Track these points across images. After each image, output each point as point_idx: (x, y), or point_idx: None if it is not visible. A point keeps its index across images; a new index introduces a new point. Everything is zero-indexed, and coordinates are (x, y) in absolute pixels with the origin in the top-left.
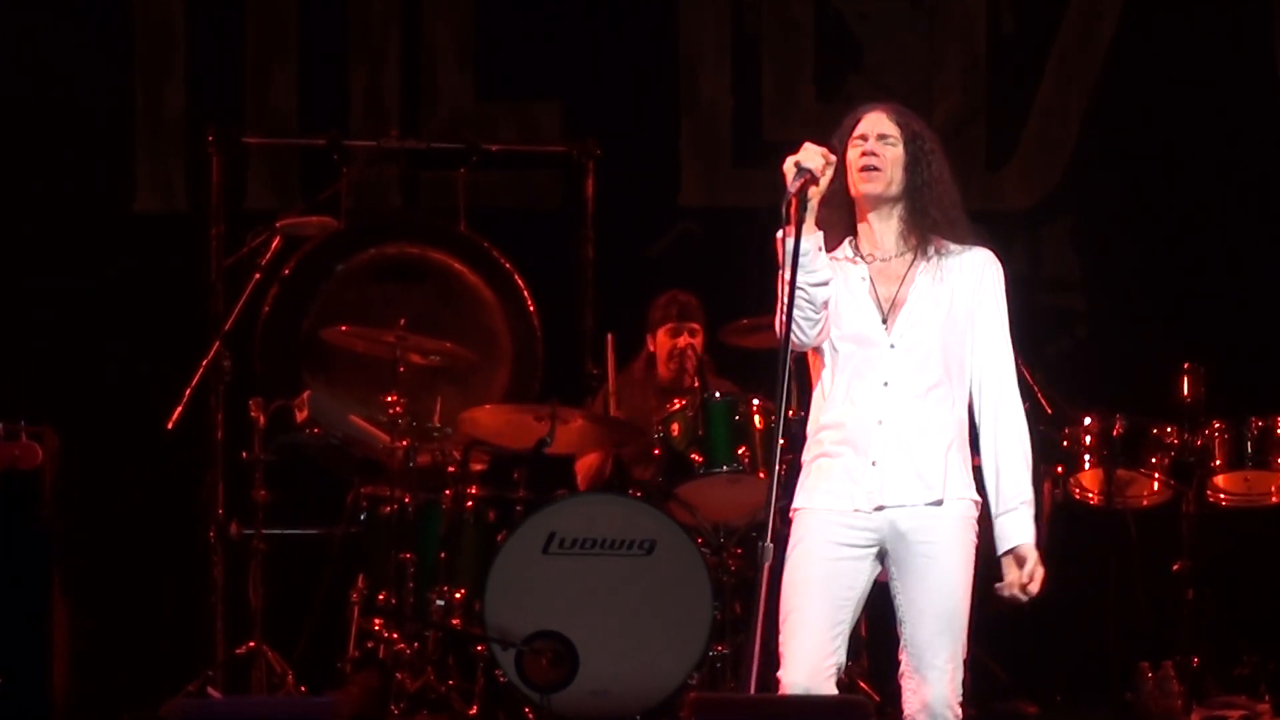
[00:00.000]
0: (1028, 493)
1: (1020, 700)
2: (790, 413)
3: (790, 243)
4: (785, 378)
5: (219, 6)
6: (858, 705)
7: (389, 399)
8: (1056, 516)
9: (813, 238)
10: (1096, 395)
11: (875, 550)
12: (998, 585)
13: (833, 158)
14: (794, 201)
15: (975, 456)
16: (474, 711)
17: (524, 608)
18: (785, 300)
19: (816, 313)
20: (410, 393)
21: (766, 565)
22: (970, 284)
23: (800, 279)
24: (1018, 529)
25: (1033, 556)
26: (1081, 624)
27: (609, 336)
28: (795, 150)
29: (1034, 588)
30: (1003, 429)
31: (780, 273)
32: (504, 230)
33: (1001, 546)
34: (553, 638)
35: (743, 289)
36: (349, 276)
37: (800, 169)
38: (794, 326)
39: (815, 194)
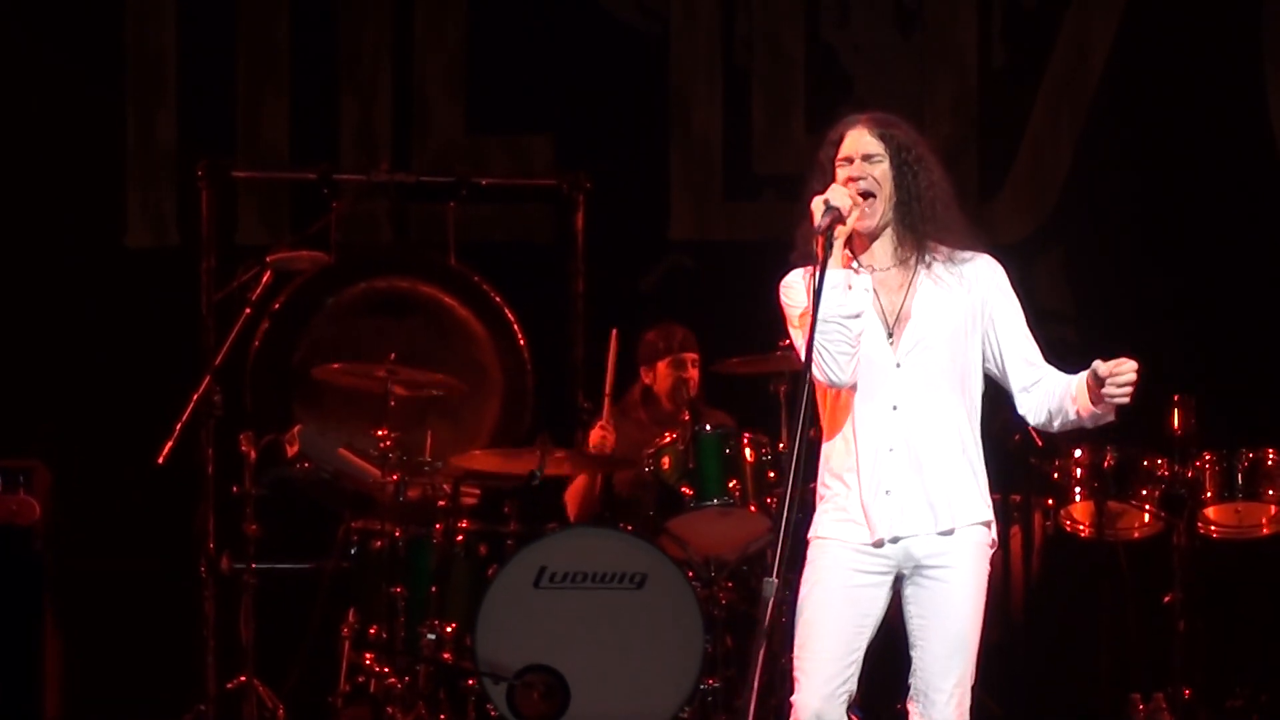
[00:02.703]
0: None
1: None
2: (781, 445)
3: (816, 279)
4: (804, 414)
5: (210, 39)
6: None
7: (379, 433)
8: (1047, 548)
9: (843, 274)
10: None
11: (890, 576)
12: (1104, 392)
13: (860, 199)
14: (820, 240)
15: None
16: None
17: (515, 642)
18: (807, 338)
19: (852, 346)
20: (401, 426)
21: (772, 600)
22: (981, 293)
23: (834, 313)
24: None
25: (1098, 364)
26: (1073, 656)
27: (613, 332)
28: (822, 187)
29: (1128, 368)
30: (1052, 378)
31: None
32: (495, 263)
33: (1081, 385)
34: (544, 671)
35: (734, 322)
36: (339, 310)
37: (828, 207)
38: (833, 363)
39: (842, 233)
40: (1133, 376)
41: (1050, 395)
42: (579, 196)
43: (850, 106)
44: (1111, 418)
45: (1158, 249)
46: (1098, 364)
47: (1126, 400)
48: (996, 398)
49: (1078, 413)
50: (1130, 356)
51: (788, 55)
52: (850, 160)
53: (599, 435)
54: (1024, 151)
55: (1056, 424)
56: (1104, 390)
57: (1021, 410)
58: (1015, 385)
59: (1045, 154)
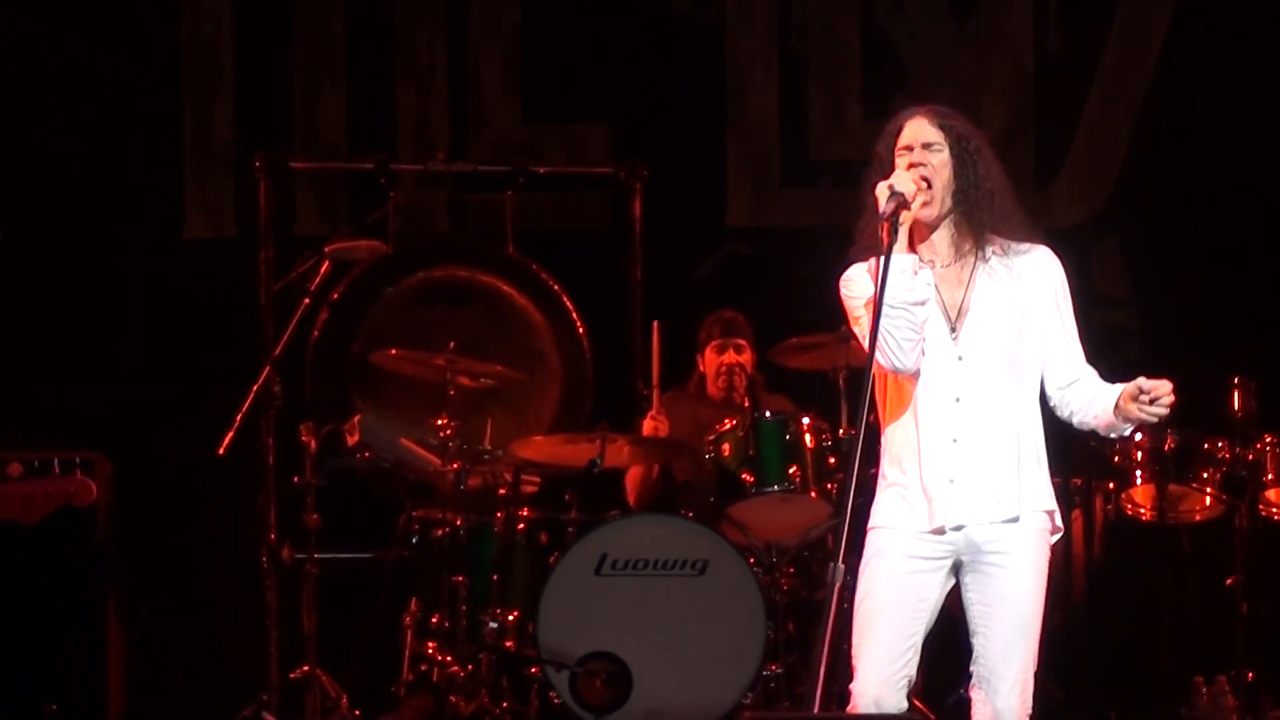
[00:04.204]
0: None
1: (1075, 716)
2: (841, 431)
3: (882, 265)
4: (867, 401)
5: (267, 33)
6: None
7: (439, 422)
8: (1109, 532)
9: (909, 258)
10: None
11: (949, 563)
12: (1133, 407)
13: (923, 184)
14: (887, 225)
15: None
16: None
17: (577, 629)
18: (872, 322)
19: (917, 333)
20: (461, 415)
21: (837, 586)
22: (1034, 286)
23: (901, 298)
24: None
25: (1141, 380)
26: (1135, 639)
27: (654, 324)
28: (884, 175)
29: (1165, 387)
30: (1093, 379)
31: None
32: (552, 252)
33: (1116, 403)
34: (606, 658)
35: (792, 308)
36: (398, 300)
37: (893, 192)
38: (898, 350)
39: (907, 218)
40: (1169, 400)
41: (1081, 399)
42: (636, 184)
43: (906, 93)
44: (1125, 431)
45: (1214, 233)
46: (1142, 380)
47: (1155, 421)
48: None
49: (1096, 419)
50: (1181, 358)
51: (844, 42)
52: (910, 149)
53: (650, 425)
54: (1080, 138)
55: (1075, 422)
56: (1140, 407)
57: (1051, 403)
58: (1051, 383)
59: (1101, 140)
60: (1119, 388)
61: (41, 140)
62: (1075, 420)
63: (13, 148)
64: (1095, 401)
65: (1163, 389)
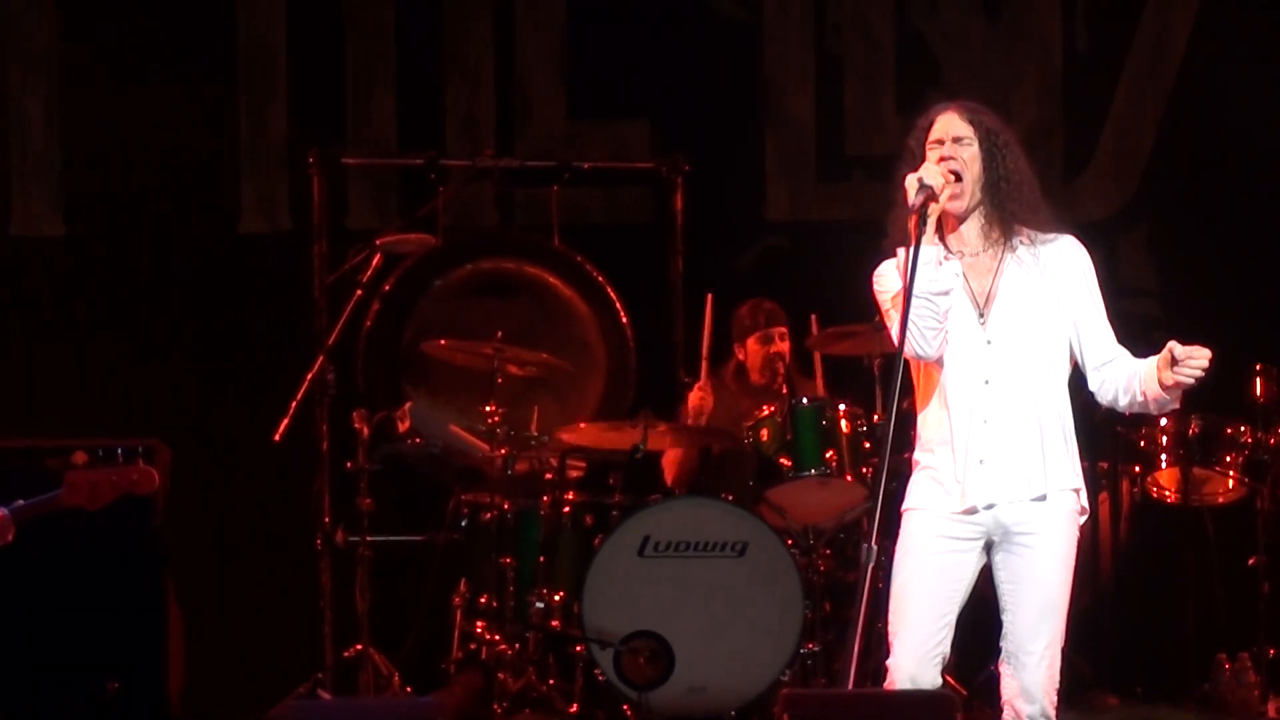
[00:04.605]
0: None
1: (1102, 692)
2: (876, 417)
3: (911, 254)
4: (897, 389)
5: (319, 32)
6: (944, 699)
7: (488, 409)
8: (1135, 514)
9: (935, 249)
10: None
11: (981, 543)
12: (1178, 377)
13: (951, 177)
14: (915, 217)
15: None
16: (574, 710)
17: (621, 609)
18: (902, 310)
19: (940, 321)
20: (508, 403)
21: (870, 566)
22: (1061, 273)
23: (925, 288)
24: (1152, 362)
25: (1174, 345)
26: (1160, 618)
27: (708, 296)
28: (913, 168)
29: (1201, 354)
30: (1126, 359)
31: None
32: (596, 245)
33: (1153, 371)
34: (649, 637)
35: (828, 299)
36: (447, 291)
37: (922, 185)
38: (920, 337)
39: (935, 210)
40: (1205, 363)
41: (1120, 376)
42: (677, 179)
43: (939, 90)
44: (1175, 405)
45: (1239, 225)
46: (1174, 345)
47: (1192, 381)
48: (1081, 371)
49: (1143, 394)
50: (1207, 345)
51: (878, 41)
52: (941, 142)
53: (698, 396)
54: (1108, 133)
55: (1123, 403)
56: (1175, 370)
57: (1092, 387)
58: (1089, 364)
59: (1129, 135)
60: (1153, 360)
61: (103, 140)
62: (1122, 403)
63: (77, 147)
64: (1135, 378)
65: (1198, 352)
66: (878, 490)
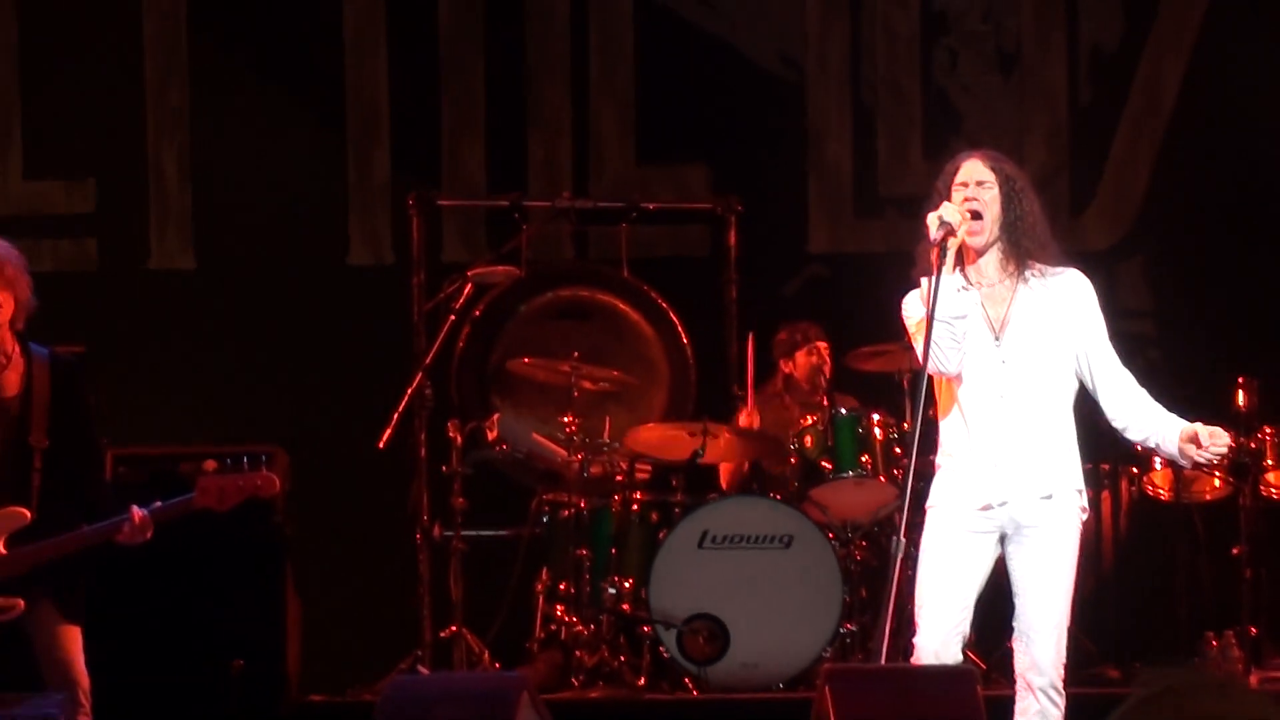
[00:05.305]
0: (1167, 414)
1: (1105, 666)
2: (905, 425)
3: (933, 283)
4: (922, 402)
5: (418, 89)
6: (965, 673)
7: (565, 419)
8: (1132, 510)
9: (954, 279)
10: (1166, 407)
11: (997, 535)
12: (1200, 461)
13: (969, 215)
14: (936, 250)
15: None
16: (642, 683)
17: (683, 594)
18: (926, 332)
19: (957, 341)
20: (583, 413)
21: (899, 557)
22: (1068, 301)
23: (945, 313)
24: (1178, 423)
25: (1199, 425)
26: (1155, 601)
27: (749, 336)
28: (936, 207)
29: (1222, 439)
30: (1130, 390)
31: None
32: (660, 275)
33: (1173, 442)
34: (707, 619)
35: (863, 321)
36: (530, 316)
37: (942, 222)
38: (941, 355)
39: (954, 243)
40: (1224, 449)
41: (1136, 414)
42: (731, 217)
43: (960, 138)
44: (1184, 466)
45: (1224, 255)
46: (1199, 428)
47: (1213, 461)
48: (1089, 390)
49: (1156, 445)
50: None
51: (906, 95)
52: (966, 185)
53: (746, 418)
54: (1108, 174)
55: (1132, 437)
56: (1198, 451)
57: (1105, 409)
58: (1096, 384)
59: (1126, 176)
60: (1177, 422)
61: (228, 185)
62: (1131, 436)
63: (206, 192)
64: (1153, 428)
65: (1219, 439)
66: (906, 489)
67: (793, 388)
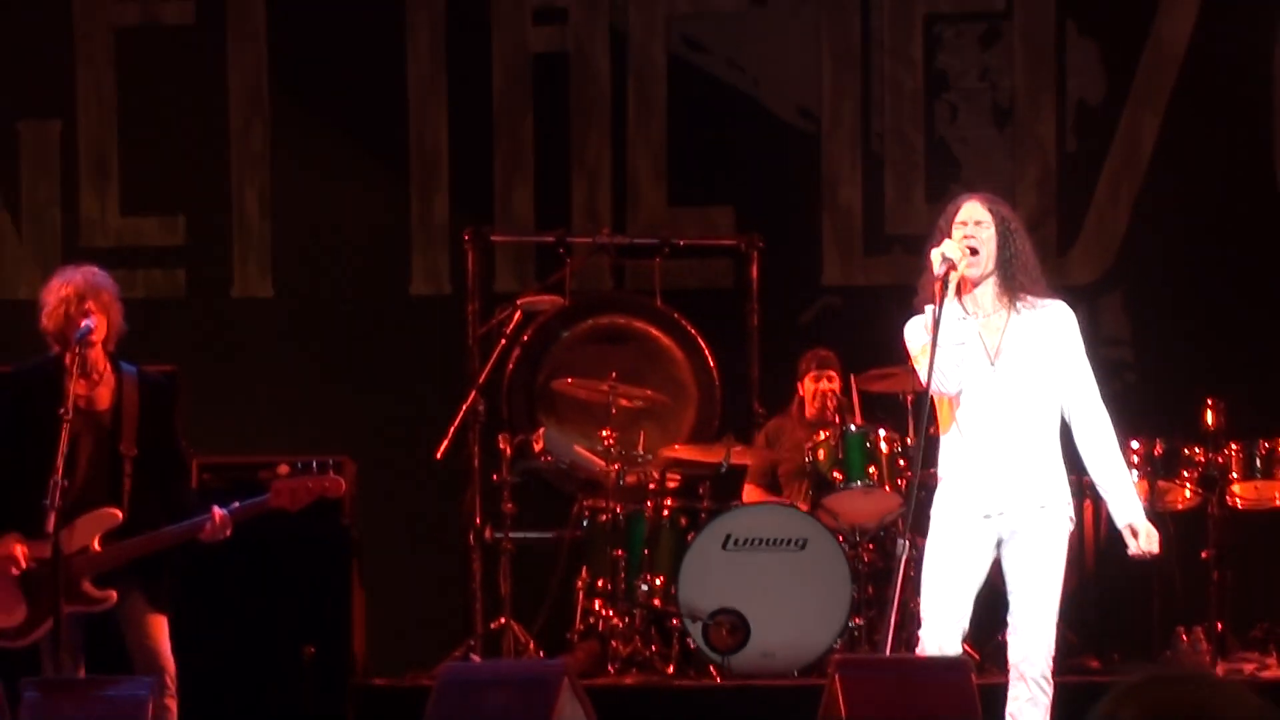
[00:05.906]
0: (1129, 480)
1: (1086, 657)
2: (909, 440)
3: (936, 312)
4: (925, 419)
5: (474, 137)
6: (963, 663)
7: (604, 433)
8: (1111, 519)
9: (954, 308)
10: (1142, 425)
11: (993, 540)
12: (1131, 553)
13: (968, 251)
14: (940, 282)
15: (1078, 474)
16: (671, 670)
17: (708, 590)
18: (930, 356)
19: (958, 364)
20: (620, 428)
21: (904, 558)
22: (1054, 331)
23: (946, 339)
24: (1131, 508)
25: (1144, 525)
26: (1132, 599)
27: (758, 409)
28: (938, 243)
29: (1154, 545)
30: (1100, 437)
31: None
32: (690, 304)
33: (1121, 521)
34: (731, 613)
35: (871, 347)
36: (573, 341)
37: (944, 258)
38: (942, 378)
39: (955, 277)
40: (1155, 551)
41: (1095, 460)
42: (753, 253)
43: (958, 184)
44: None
45: (1195, 289)
46: (1139, 529)
47: (1150, 552)
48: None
49: (1104, 496)
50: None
51: (911, 145)
52: (966, 224)
53: (760, 448)
54: (1091, 216)
55: (1089, 474)
56: (1133, 542)
57: (1075, 432)
58: (1072, 416)
59: (1107, 219)
60: (1125, 498)
61: (304, 221)
62: (1088, 473)
63: (284, 227)
64: (1104, 485)
65: (1151, 541)
66: (910, 498)
67: (804, 409)
